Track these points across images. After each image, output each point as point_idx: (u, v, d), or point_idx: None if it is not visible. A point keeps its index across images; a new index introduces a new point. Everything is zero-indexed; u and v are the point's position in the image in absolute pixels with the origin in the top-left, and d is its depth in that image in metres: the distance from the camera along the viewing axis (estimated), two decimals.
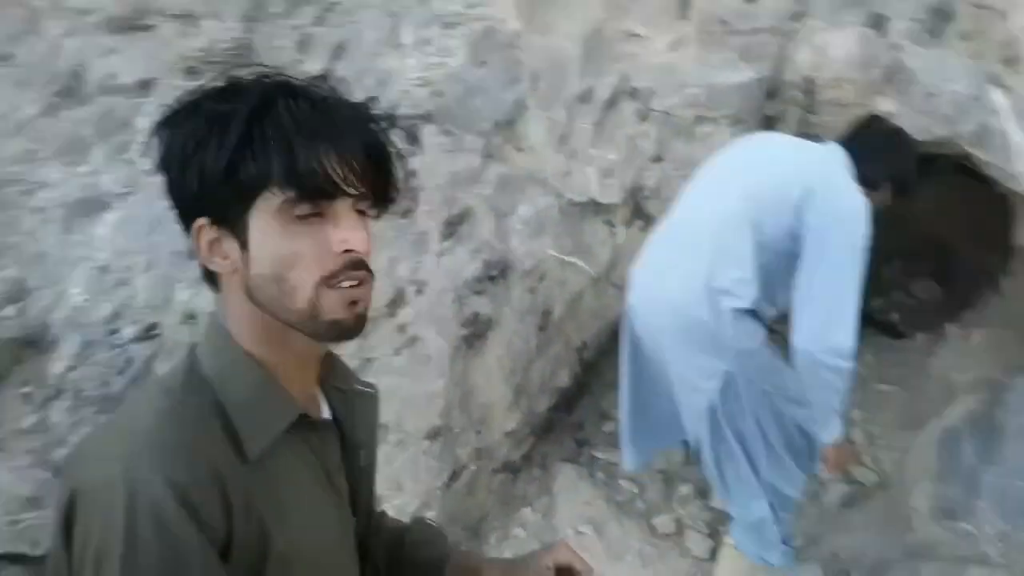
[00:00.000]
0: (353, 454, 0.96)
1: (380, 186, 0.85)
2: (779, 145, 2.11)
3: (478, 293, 2.42)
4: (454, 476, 2.31)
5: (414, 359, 2.33)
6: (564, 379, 2.58)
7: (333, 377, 0.96)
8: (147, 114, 3.34)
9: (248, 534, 0.77)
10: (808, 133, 2.57)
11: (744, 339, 1.93)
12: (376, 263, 2.33)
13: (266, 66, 0.84)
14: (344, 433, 0.95)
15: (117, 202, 2.66)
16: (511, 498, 2.51)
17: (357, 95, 2.78)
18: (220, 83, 0.82)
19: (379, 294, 2.44)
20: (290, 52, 3.17)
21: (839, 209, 1.86)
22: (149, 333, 2.27)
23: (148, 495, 0.70)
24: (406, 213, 2.53)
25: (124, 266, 2.29)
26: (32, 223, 2.89)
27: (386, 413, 2.33)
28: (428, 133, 2.62)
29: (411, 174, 0.76)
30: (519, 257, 2.52)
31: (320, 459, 0.89)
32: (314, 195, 0.78)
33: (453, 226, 2.51)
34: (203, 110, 0.79)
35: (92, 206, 2.75)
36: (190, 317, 2.60)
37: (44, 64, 3.82)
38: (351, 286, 0.81)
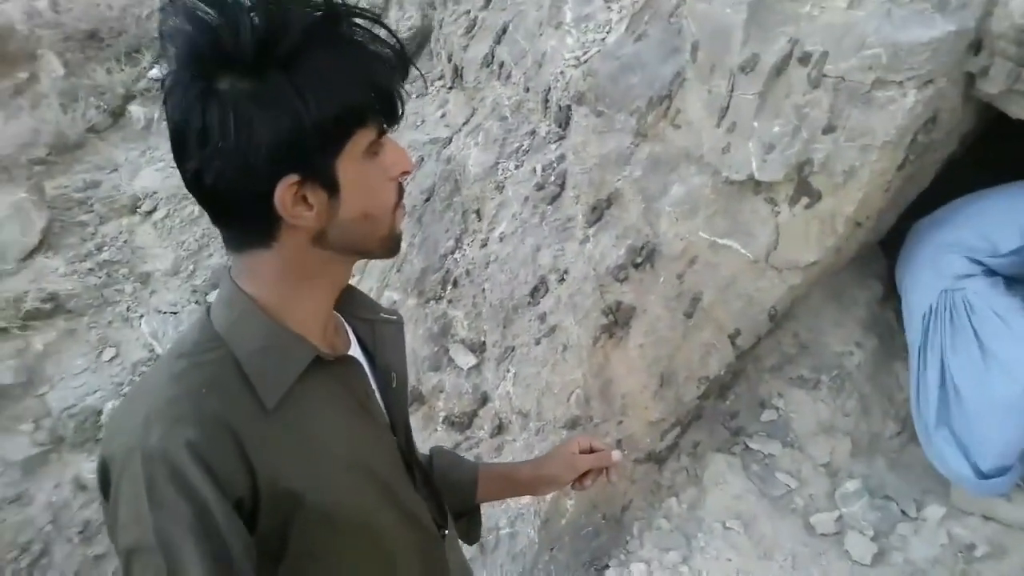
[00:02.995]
0: (385, 378, 1.01)
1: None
2: None
3: (621, 280, 2.37)
4: None
5: (553, 348, 2.36)
6: (714, 367, 2.46)
7: (357, 309, 1.02)
8: None
9: (277, 478, 0.79)
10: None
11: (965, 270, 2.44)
12: (519, 251, 2.41)
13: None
14: (374, 359, 1.01)
15: None
16: (657, 487, 2.48)
17: (516, 78, 2.79)
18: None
19: (521, 283, 2.48)
20: (460, 38, 3.22)
21: None
22: None
23: (164, 458, 0.74)
24: (553, 199, 2.53)
25: None
26: None
27: (526, 401, 2.41)
28: (579, 115, 2.56)
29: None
30: (667, 241, 2.42)
31: (351, 390, 0.92)
32: (392, 123, 0.84)
33: (599, 211, 2.46)
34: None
35: None
36: None
37: None
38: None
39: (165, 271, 3.81)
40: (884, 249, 3.05)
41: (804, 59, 2.34)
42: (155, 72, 5.59)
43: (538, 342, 2.37)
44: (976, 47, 2.21)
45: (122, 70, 5.59)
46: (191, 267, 3.80)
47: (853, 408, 2.76)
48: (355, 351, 0.98)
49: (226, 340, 0.83)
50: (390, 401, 1.00)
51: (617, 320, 2.34)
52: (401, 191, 0.89)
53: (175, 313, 3.50)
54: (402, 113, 0.85)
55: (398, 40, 0.82)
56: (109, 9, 6.36)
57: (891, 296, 2.91)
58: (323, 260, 0.86)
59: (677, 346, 2.41)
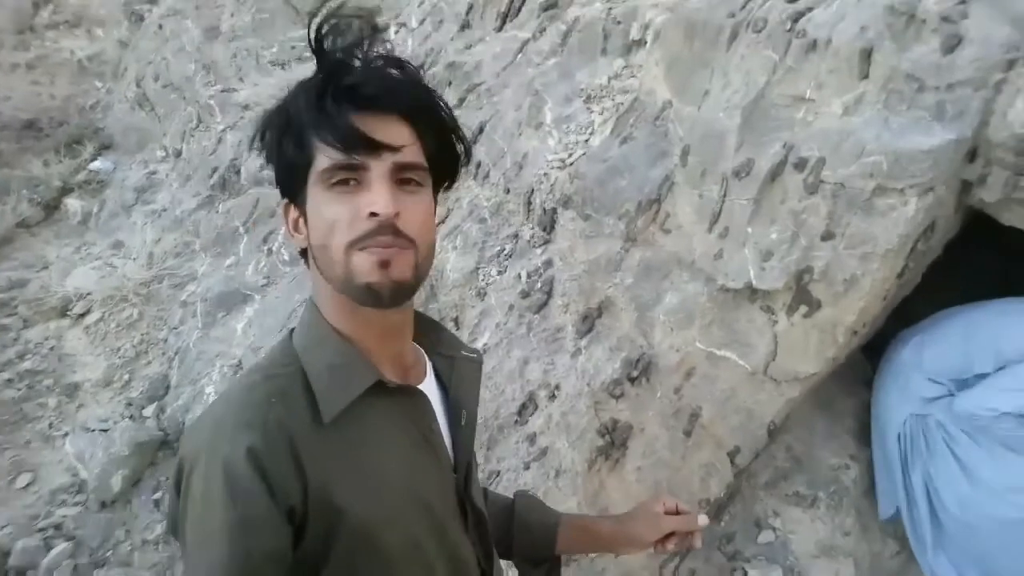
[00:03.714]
0: (456, 414, 1.02)
1: (432, 151, 0.94)
2: None
3: (616, 397, 2.17)
4: None
5: (545, 473, 2.13)
6: (715, 489, 2.26)
7: (440, 345, 1.07)
8: None
9: (325, 489, 0.81)
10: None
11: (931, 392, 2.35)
12: (505, 365, 2.09)
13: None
14: (449, 394, 1.03)
15: (257, 294, 2.67)
16: None
17: (494, 178, 2.59)
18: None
19: (508, 400, 2.27)
20: None
21: None
22: None
23: (224, 459, 0.77)
24: (539, 308, 2.35)
25: None
26: (180, 317, 2.98)
27: None
28: (565, 218, 2.42)
29: (468, 146, 1.01)
30: (663, 352, 2.25)
31: (412, 420, 0.94)
32: (351, 152, 0.83)
33: (590, 320, 2.29)
34: (282, 103, 0.90)
35: (233, 299, 2.79)
36: None
37: (206, 158, 4.02)
38: (380, 248, 0.85)
39: (96, 382, 3.44)
40: (865, 352, 2.95)
41: (800, 165, 2.27)
42: (97, 164, 5.33)
43: (527, 466, 2.13)
44: (971, 155, 2.18)
45: (60, 162, 5.32)
46: (126, 377, 3.45)
47: (852, 526, 2.58)
48: (428, 386, 1.00)
49: (300, 357, 0.88)
50: (457, 438, 1.01)
51: (614, 440, 2.14)
52: (369, 232, 0.84)
53: (105, 431, 3.13)
54: (359, 140, 0.84)
55: (375, 57, 0.89)
56: (51, 99, 6.12)
57: None
58: (335, 291, 0.90)
59: (677, 468, 2.20)
